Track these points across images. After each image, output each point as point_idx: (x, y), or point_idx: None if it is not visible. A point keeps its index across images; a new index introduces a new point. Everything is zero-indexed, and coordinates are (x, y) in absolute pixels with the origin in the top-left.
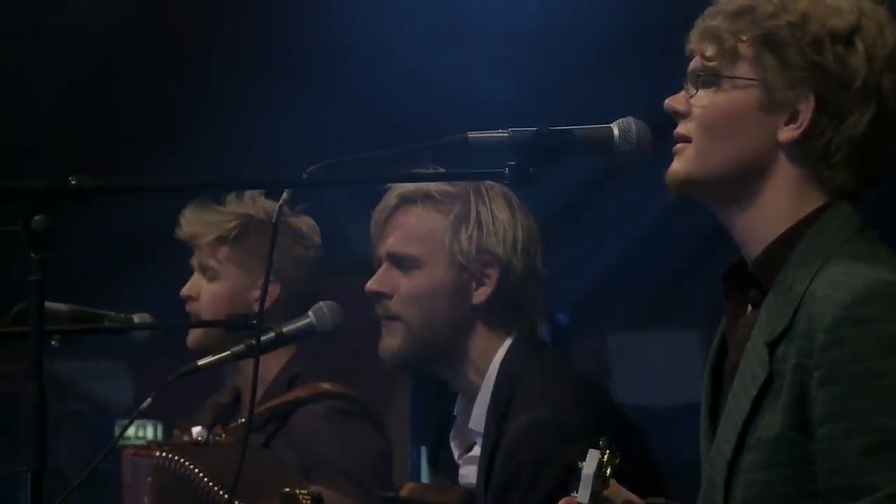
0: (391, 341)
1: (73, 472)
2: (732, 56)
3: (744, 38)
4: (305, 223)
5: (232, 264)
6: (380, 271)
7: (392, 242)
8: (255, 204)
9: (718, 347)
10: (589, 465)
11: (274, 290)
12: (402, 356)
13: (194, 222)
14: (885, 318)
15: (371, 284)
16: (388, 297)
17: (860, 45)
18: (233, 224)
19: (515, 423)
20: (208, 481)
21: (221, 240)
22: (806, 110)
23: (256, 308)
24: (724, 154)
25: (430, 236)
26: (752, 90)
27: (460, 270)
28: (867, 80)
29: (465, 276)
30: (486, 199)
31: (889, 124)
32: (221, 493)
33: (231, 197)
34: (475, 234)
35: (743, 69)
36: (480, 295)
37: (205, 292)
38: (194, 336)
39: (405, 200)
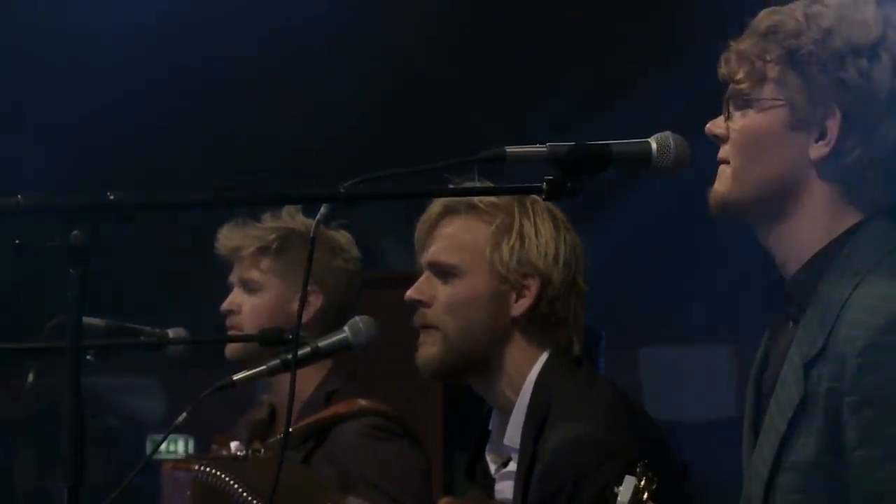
0: (428, 350)
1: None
2: (760, 78)
3: (769, 58)
4: (343, 236)
5: (274, 276)
6: (420, 280)
7: (434, 251)
8: (295, 218)
9: (761, 360)
10: (625, 493)
11: (317, 300)
12: (439, 365)
13: (235, 237)
14: None
15: (411, 293)
16: (427, 305)
17: (885, 57)
18: (274, 236)
19: (552, 440)
20: (247, 496)
21: (263, 251)
22: (833, 126)
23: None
24: (758, 175)
25: (471, 246)
26: (779, 111)
27: (500, 281)
28: (894, 93)
29: (504, 287)
30: (530, 212)
31: None
32: None
33: (267, 215)
34: (517, 246)
35: (769, 90)
36: (520, 307)
37: (247, 305)
38: (233, 348)
39: (449, 210)
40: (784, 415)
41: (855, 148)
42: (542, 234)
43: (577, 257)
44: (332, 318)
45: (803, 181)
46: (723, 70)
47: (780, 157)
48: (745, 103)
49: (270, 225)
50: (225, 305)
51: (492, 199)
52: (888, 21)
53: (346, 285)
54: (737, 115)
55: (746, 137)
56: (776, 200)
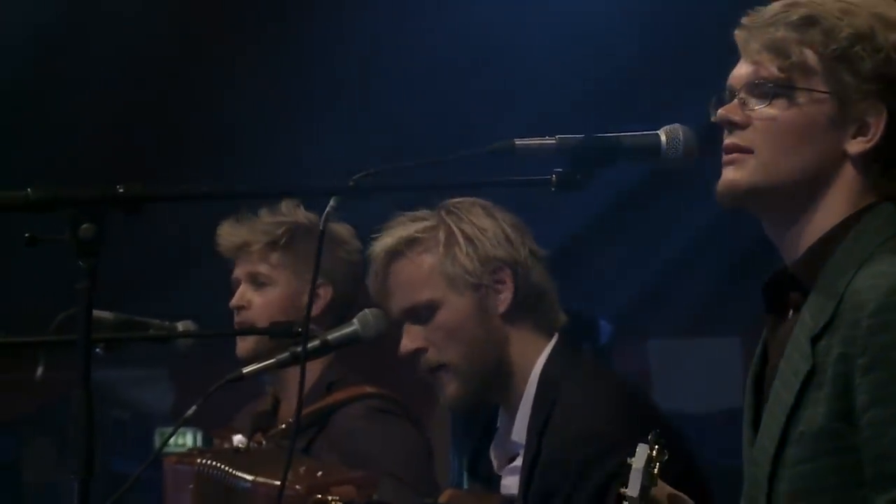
0: (449, 390)
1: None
2: (804, 69)
3: (815, 50)
4: (345, 228)
5: (284, 270)
6: (405, 330)
7: (402, 300)
8: (297, 212)
9: (760, 356)
10: (638, 460)
11: (326, 293)
12: (465, 397)
13: (240, 232)
14: None
15: (405, 346)
16: (425, 350)
17: None
18: (283, 230)
19: (557, 434)
20: (249, 487)
21: (272, 245)
22: (877, 123)
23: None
24: (792, 166)
25: (431, 275)
26: (826, 104)
27: (475, 290)
28: None
29: (481, 293)
30: (461, 214)
31: None
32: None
33: (264, 210)
34: (471, 251)
35: (817, 82)
36: (503, 302)
37: (257, 300)
38: (245, 345)
39: (392, 257)
40: (791, 388)
41: (892, 145)
42: (484, 228)
43: (520, 230)
44: (340, 310)
45: (832, 174)
46: (748, 55)
47: (816, 149)
48: (778, 93)
49: (276, 219)
50: (234, 301)
51: (424, 222)
52: None
53: (353, 277)
54: (761, 103)
55: (783, 128)
56: (802, 192)
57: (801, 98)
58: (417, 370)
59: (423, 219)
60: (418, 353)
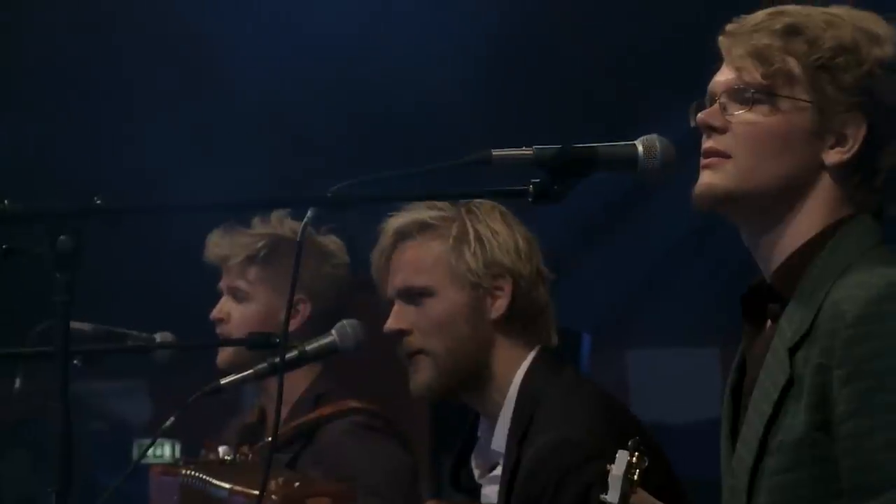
0: (421, 376)
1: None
2: (787, 77)
3: (798, 59)
4: (332, 242)
5: (262, 284)
6: (394, 310)
7: (401, 279)
8: (283, 224)
9: (738, 368)
10: (618, 466)
11: (305, 308)
12: (436, 388)
13: (223, 244)
14: None
15: (390, 324)
16: (408, 332)
17: None
18: (261, 244)
19: (536, 442)
20: (234, 500)
21: (250, 260)
22: (856, 135)
23: (290, 327)
24: (769, 173)
25: (436, 263)
26: (806, 113)
27: (473, 289)
28: None
29: (479, 294)
30: (479, 214)
31: None
32: None
33: (256, 220)
34: (479, 251)
35: (797, 90)
36: (498, 309)
37: (236, 314)
38: (224, 356)
39: (401, 236)
40: (770, 399)
41: (871, 158)
42: (498, 232)
43: (532, 246)
44: (322, 325)
45: (809, 183)
46: (730, 62)
47: (794, 158)
48: (756, 99)
49: (258, 232)
50: (214, 313)
51: (440, 212)
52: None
53: (336, 292)
54: (741, 109)
55: (764, 134)
56: (778, 200)
57: (782, 105)
58: (397, 351)
59: (441, 209)
60: (402, 334)
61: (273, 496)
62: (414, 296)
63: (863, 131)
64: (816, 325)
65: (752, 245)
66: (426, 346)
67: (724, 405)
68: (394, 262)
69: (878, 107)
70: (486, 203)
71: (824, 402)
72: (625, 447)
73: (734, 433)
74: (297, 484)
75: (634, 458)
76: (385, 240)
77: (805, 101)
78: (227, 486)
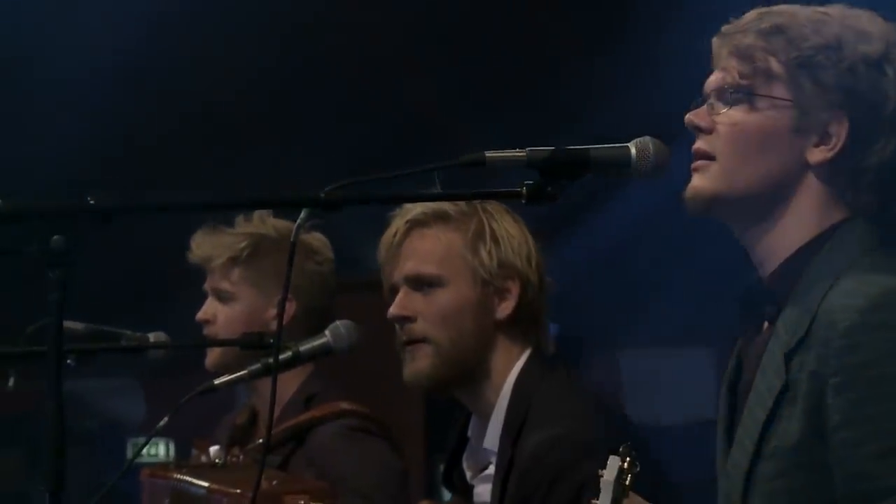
0: (420, 364)
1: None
2: (767, 76)
3: (779, 58)
4: (316, 239)
5: (246, 285)
6: (400, 296)
7: (411, 266)
8: (265, 223)
9: (735, 367)
10: (609, 472)
11: (290, 306)
12: (433, 378)
13: (205, 246)
14: None
15: (394, 310)
16: (412, 320)
17: (890, 71)
18: (244, 244)
19: (529, 441)
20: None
21: (234, 261)
22: (839, 133)
23: (273, 326)
24: (753, 173)
25: (450, 255)
26: (787, 111)
27: (484, 286)
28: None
29: (488, 291)
30: (495, 215)
31: None
32: None
33: (240, 219)
34: (494, 250)
35: (778, 89)
36: (504, 309)
37: (221, 315)
38: (213, 357)
39: (416, 224)
40: (765, 404)
41: (855, 156)
42: (512, 235)
43: (540, 255)
44: (309, 324)
45: (796, 183)
46: (717, 61)
47: (777, 157)
48: (739, 98)
49: (241, 231)
50: (200, 315)
51: (460, 206)
52: (888, 39)
53: (321, 289)
54: (725, 108)
55: (746, 134)
56: (765, 200)
57: (761, 104)
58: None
59: (459, 204)
60: (404, 320)
61: (250, 493)
62: (423, 284)
63: (845, 128)
64: (812, 332)
65: (748, 246)
66: (429, 334)
67: (721, 405)
68: (405, 248)
69: (860, 104)
70: (497, 205)
71: (819, 408)
72: (618, 447)
73: (730, 433)
74: (275, 482)
75: (626, 464)
76: (398, 226)
77: (784, 99)
78: (204, 484)
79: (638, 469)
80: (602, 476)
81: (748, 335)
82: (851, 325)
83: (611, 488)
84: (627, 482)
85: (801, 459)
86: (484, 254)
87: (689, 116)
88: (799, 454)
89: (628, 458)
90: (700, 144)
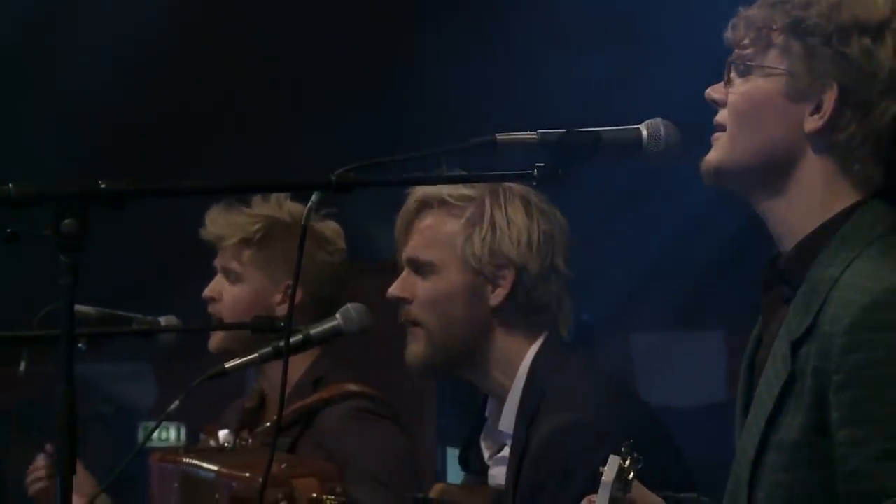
0: (415, 348)
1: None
2: (765, 45)
3: (775, 26)
4: (330, 228)
5: (255, 267)
6: (400, 277)
7: (411, 248)
8: (282, 207)
9: (755, 341)
10: (609, 472)
11: (297, 294)
12: (426, 362)
13: (219, 224)
14: None
15: (392, 290)
16: (409, 302)
17: (889, 38)
18: (257, 226)
19: (545, 425)
20: (234, 486)
21: (245, 242)
22: (829, 100)
23: (279, 311)
24: (753, 142)
25: (444, 241)
26: (779, 79)
27: (474, 274)
28: (894, 74)
29: (479, 279)
30: (502, 201)
31: None
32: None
33: (257, 199)
34: (488, 238)
35: (772, 58)
36: (496, 297)
37: (227, 294)
38: (216, 339)
39: (424, 205)
40: (772, 392)
41: (849, 124)
42: (514, 223)
43: (554, 241)
44: (315, 311)
45: (798, 154)
46: (729, 35)
47: (774, 125)
48: (746, 69)
49: (256, 213)
50: (207, 292)
51: (463, 190)
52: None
53: (330, 278)
54: (738, 80)
55: (744, 103)
56: (769, 171)
57: (759, 73)
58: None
59: (467, 189)
60: (402, 302)
61: (259, 478)
62: (419, 267)
63: (834, 95)
64: (818, 323)
65: (764, 220)
66: (421, 318)
67: (741, 378)
68: (412, 229)
69: (850, 71)
70: (516, 188)
71: (822, 404)
72: (633, 431)
73: (748, 407)
74: (283, 465)
75: (627, 463)
76: (409, 205)
77: (775, 67)
78: (213, 468)
79: (640, 466)
80: (602, 475)
81: (768, 310)
82: (853, 323)
83: (609, 489)
84: (630, 478)
85: (803, 456)
86: (477, 241)
87: (707, 91)
88: (801, 450)
89: (630, 457)
90: (717, 117)
